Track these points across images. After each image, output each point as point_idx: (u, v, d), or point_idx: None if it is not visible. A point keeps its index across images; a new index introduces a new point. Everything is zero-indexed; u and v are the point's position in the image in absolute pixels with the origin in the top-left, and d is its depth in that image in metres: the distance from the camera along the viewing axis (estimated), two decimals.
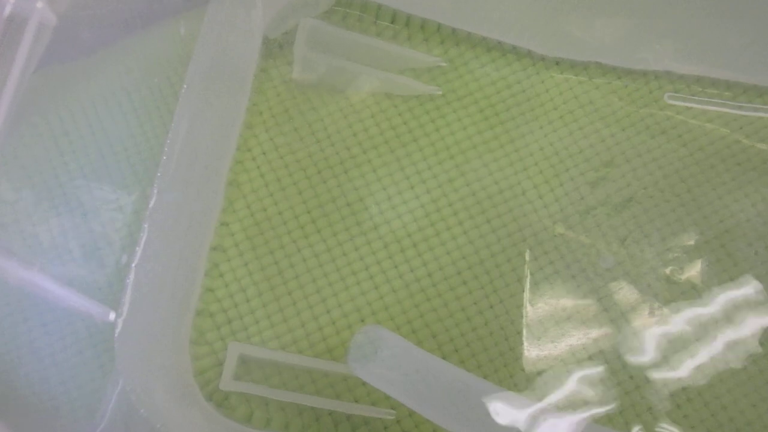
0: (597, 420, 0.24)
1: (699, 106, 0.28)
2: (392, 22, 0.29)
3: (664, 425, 0.24)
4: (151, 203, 0.20)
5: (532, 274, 0.26)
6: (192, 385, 0.22)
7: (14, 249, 0.24)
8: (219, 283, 0.25)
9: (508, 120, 0.28)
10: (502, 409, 0.21)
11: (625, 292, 0.26)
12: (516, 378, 0.24)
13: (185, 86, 0.22)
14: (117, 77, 0.27)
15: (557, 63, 0.29)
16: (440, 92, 0.28)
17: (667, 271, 0.26)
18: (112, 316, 0.19)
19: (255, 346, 0.24)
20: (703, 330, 0.25)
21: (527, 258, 0.26)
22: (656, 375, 0.25)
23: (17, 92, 0.20)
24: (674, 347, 0.25)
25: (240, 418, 0.23)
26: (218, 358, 0.24)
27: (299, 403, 0.24)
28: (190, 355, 0.23)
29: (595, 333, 0.25)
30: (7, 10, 0.21)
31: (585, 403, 0.24)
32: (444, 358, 0.25)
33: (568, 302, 0.26)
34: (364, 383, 0.24)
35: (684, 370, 0.25)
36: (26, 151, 0.26)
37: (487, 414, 0.21)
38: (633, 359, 0.25)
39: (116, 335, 0.19)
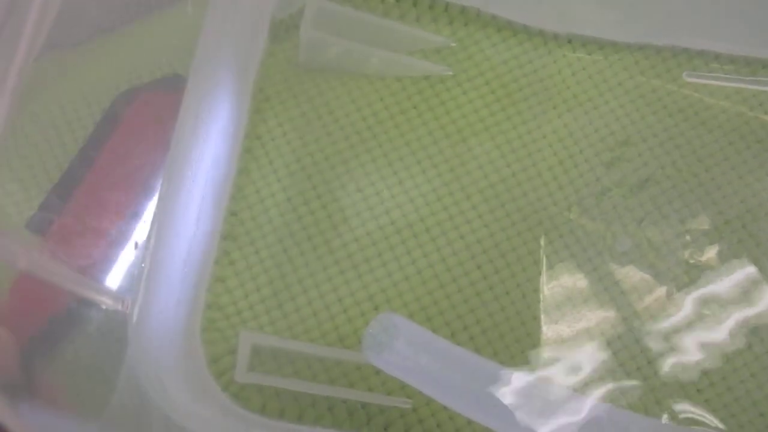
0: (616, 404, 0.24)
1: (717, 83, 0.27)
2: (399, 1, 0.28)
3: (686, 409, 0.24)
4: (160, 191, 0.20)
5: (547, 258, 0.25)
6: (206, 376, 0.22)
7: (20, 237, 0.24)
8: (230, 272, 0.25)
9: (521, 101, 0.27)
10: (519, 395, 0.21)
11: (642, 276, 0.25)
12: (533, 363, 0.24)
13: (192, 71, 0.22)
14: (121, 62, 0.26)
15: (569, 41, 0.28)
16: (450, 73, 0.27)
17: (686, 253, 0.25)
18: (124, 304, 0.19)
19: (267, 335, 0.24)
20: (724, 313, 0.25)
21: (543, 242, 0.25)
22: (676, 359, 0.24)
23: (19, 79, 0.20)
24: (694, 331, 0.24)
25: (253, 409, 0.23)
26: (230, 347, 0.24)
27: (313, 393, 0.23)
28: (203, 344, 0.23)
29: (612, 317, 0.25)
30: None
31: (603, 387, 0.24)
32: (460, 345, 0.24)
33: (584, 286, 0.25)
34: (378, 372, 0.24)
35: (705, 354, 0.24)
36: (27, 141, 0.26)
37: (500, 398, 0.20)
38: (652, 343, 0.24)
39: (132, 323, 0.19)
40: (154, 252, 0.20)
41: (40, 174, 0.26)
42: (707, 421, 0.24)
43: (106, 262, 0.21)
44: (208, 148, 0.23)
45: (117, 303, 0.19)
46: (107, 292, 0.20)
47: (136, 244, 0.20)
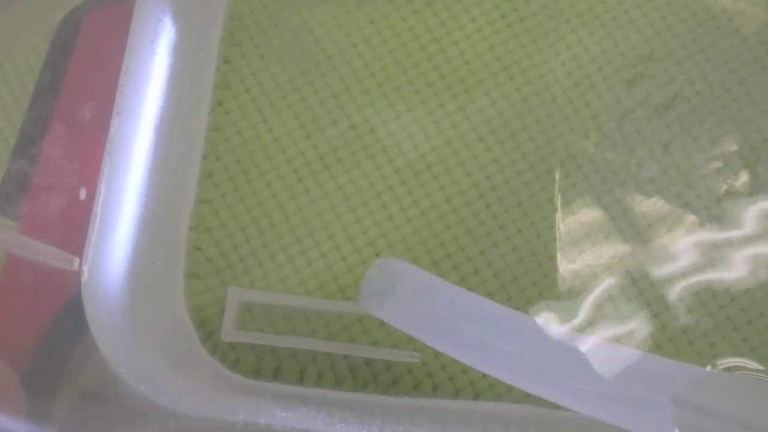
0: (643, 348, 0.21)
1: None
2: None
3: (722, 352, 0.21)
4: (112, 130, 0.17)
5: (563, 192, 0.23)
6: (192, 340, 0.20)
7: None
8: (214, 223, 0.23)
9: (529, 17, 0.24)
10: (538, 342, 0.18)
11: (670, 207, 0.22)
12: (551, 308, 0.22)
13: None
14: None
15: None
16: None
17: (719, 178, 0.23)
18: (75, 263, 0.17)
19: (258, 290, 0.22)
20: (765, 244, 0.22)
21: (558, 175, 0.23)
22: (710, 297, 0.22)
23: None
24: (730, 264, 0.22)
25: (248, 370, 0.21)
26: (221, 306, 0.22)
27: (311, 350, 0.21)
28: (188, 305, 0.21)
29: (638, 253, 0.22)
30: None
31: (629, 332, 0.22)
32: (470, 290, 0.22)
33: (605, 221, 0.23)
34: (382, 324, 0.21)
35: (743, 288, 0.22)
36: None
37: (523, 348, 0.18)
38: (682, 281, 0.22)
39: (82, 284, 0.16)
40: (105, 202, 0.17)
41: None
42: (740, 364, 0.21)
43: (70, 219, 0.19)
44: (168, 77, 0.20)
45: (66, 263, 0.17)
46: (53, 253, 0.17)
47: (86, 194, 0.18)
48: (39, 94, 0.22)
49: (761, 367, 0.21)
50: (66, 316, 0.18)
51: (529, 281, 0.22)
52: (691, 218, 0.22)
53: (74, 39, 0.22)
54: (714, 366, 0.21)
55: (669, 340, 0.21)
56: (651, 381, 0.15)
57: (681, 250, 0.22)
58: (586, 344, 0.17)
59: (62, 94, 0.21)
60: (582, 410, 0.16)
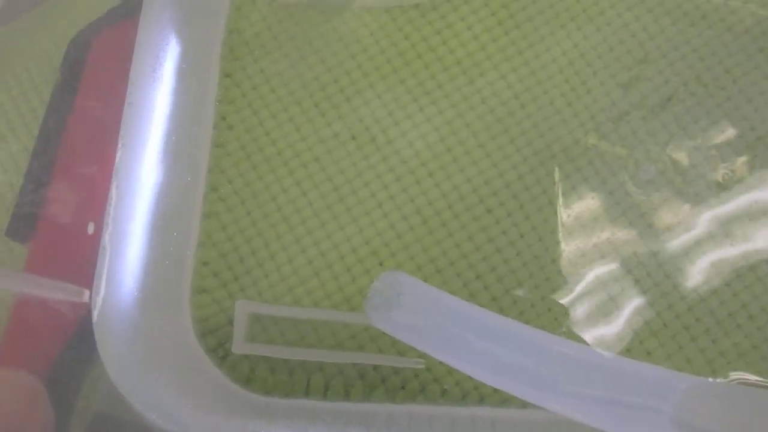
0: (650, 351, 0.22)
1: None
2: None
3: (727, 345, 0.22)
4: (116, 162, 0.18)
5: (564, 194, 0.23)
6: (201, 358, 0.20)
7: None
8: (221, 237, 0.23)
9: (525, 21, 0.25)
10: (541, 353, 0.18)
11: (671, 204, 0.23)
12: (555, 311, 0.22)
13: (143, 10, 0.19)
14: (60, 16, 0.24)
15: None
16: None
17: (718, 175, 0.23)
18: (85, 295, 0.17)
19: (265, 304, 0.22)
20: (763, 240, 0.22)
21: (557, 177, 0.23)
22: (713, 295, 0.22)
23: None
24: (730, 262, 0.22)
25: (258, 381, 0.21)
26: (229, 319, 0.22)
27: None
28: (195, 320, 0.21)
29: (641, 253, 0.22)
30: None
31: (634, 334, 0.22)
32: (473, 296, 0.23)
33: (607, 221, 0.23)
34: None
35: (743, 285, 0.22)
36: None
37: (526, 359, 0.18)
38: (685, 280, 0.22)
39: (94, 315, 0.17)
40: (113, 234, 0.18)
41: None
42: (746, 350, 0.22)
43: (79, 248, 0.19)
44: (171, 96, 0.20)
45: (76, 296, 0.17)
46: (63, 288, 0.18)
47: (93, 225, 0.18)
48: (49, 119, 0.22)
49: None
50: (74, 346, 0.18)
51: (533, 284, 0.23)
52: (690, 217, 0.23)
53: (83, 63, 0.22)
54: (720, 369, 0.22)
55: (671, 336, 0.22)
56: (653, 391, 0.16)
57: (683, 249, 0.22)
58: (591, 354, 0.18)
59: (70, 122, 0.21)
60: (587, 422, 0.16)
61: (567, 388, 0.17)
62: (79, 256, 0.19)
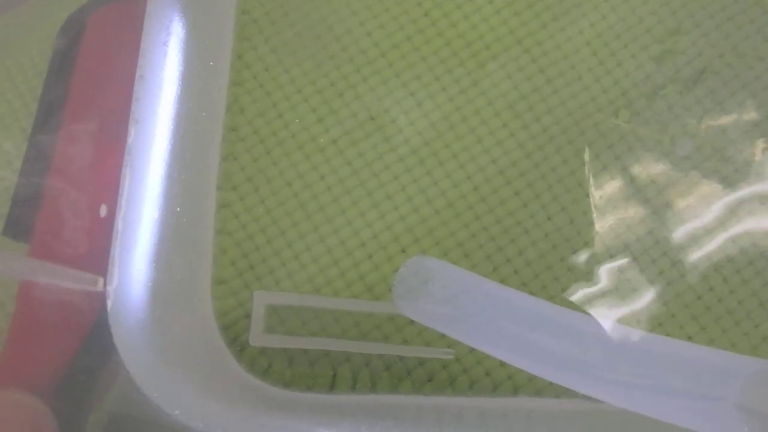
0: (691, 336, 0.21)
1: None
2: None
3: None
4: (129, 140, 0.17)
5: (595, 174, 0.22)
6: (221, 350, 0.19)
7: None
8: (235, 226, 0.22)
9: None
10: (572, 335, 0.17)
11: (710, 182, 0.22)
12: (589, 296, 0.21)
13: None
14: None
15: None
16: None
17: (757, 149, 0.22)
18: (100, 283, 0.16)
19: (284, 293, 0.21)
20: None
21: (587, 156, 0.22)
22: (756, 277, 0.21)
23: None
24: None
25: (279, 376, 0.20)
26: (247, 310, 0.21)
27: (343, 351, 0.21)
28: (214, 312, 0.20)
29: (678, 236, 0.21)
30: None
31: (672, 317, 0.21)
32: (502, 281, 0.21)
33: (640, 200, 0.22)
34: (412, 321, 0.21)
35: None
36: None
37: (557, 342, 0.17)
38: (727, 262, 0.21)
39: (109, 308, 0.16)
40: (126, 217, 0.17)
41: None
42: None
43: (86, 238, 0.18)
44: (182, 79, 0.19)
45: (91, 284, 0.16)
46: (76, 275, 0.16)
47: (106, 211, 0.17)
48: (45, 105, 0.21)
49: None
50: (93, 339, 0.17)
51: (564, 268, 0.21)
52: (730, 194, 0.21)
53: (78, 44, 0.21)
54: (764, 354, 0.20)
55: (714, 321, 0.21)
56: (713, 376, 0.14)
57: (723, 229, 0.21)
58: (634, 337, 0.17)
59: (68, 105, 0.20)
60: (634, 408, 0.15)
61: (614, 375, 0.15)
62: (81, 252, 0.18)
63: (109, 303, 0.16)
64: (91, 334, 0.17)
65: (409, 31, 0.23)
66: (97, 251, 0.18)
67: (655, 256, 0.21)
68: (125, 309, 0.16)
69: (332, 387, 0.20)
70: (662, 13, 0.23)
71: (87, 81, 0.21)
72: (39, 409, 0.17)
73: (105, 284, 0.16)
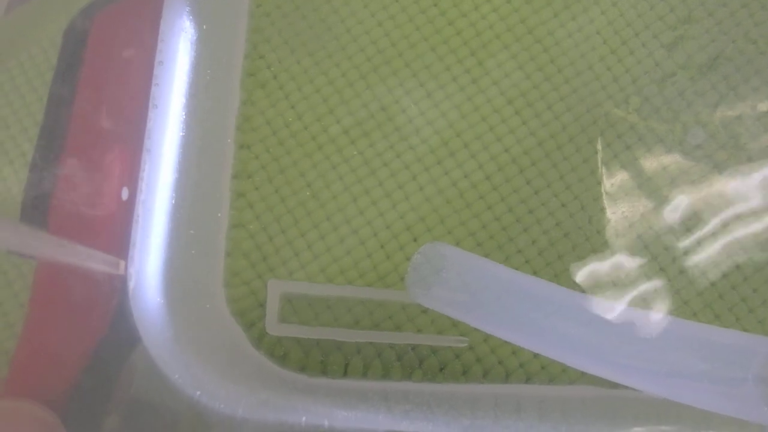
0: (704, 320, 0.21)
1: None
2: None
3: None
4: (149, 124, 0.17)
5: (606, 162, 0.22)
6: (239, 336, 0.19)
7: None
8: (249, 216, 0.22)
9: None
10: (589, 320, 0.18)
11: (723, 171, 0.22)
12: (601, 284, 0.21)
13: None
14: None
15: None
16: None
17: None
18: (121, 266, 0.16)
19: (298, 282, 0.21)
20: None
21: (599, 145, 0.22)
22: None
23: None
24: None
25: (296, 364, 0.20)
26: (258, 299, 0.21)
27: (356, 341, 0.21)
28: (229, 300, 0.21)
29: (690, 225, 0.21)
30: None
31: (685, 305, 0.21)
32: (515, 270, 0.21)
33: (653, 190, 0.22)
34: (425, 310, 0.21)
35: None
36: None
37: (573, 326, 0.17)
38: (740, 249, 0.21)
39: (130, 290, 0.16)
40: (146, 202, 0.17)
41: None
42: None
43: (103, 223, 0.18)
44: (198, 67, 0.19)
45: (112, 266, 0.17)
46: (98, 257, 0.17)
47: (127, 195, 0.17)
48: (55, 97, 0.21)
49: None
50: (117, 323, 0.17)
51: (576, 257, 0.21)
52: (745, 183, 0.21)
53: (86, 40, 0.21)
54: None
55: (728, 309, 0.21)
56: (731, 357, 0.14)
57: (736, 218, 0.21)
58: (650, 320, 0.17)
59: (78, 94, 0.20)
60: (652, 391, 0.15)
61: (632, 358, 0.15)
62: (103, 234, 0.18)
63: (131, 284, 0.16)
64: (115, 317, 0.18)
65: (420, 22, 0.23)
66: (113, 237, 0.18)
67: (667, 243, 0.21)
68: (145, 291, 0.16)
69: (345, 376, 0.20)
70: (673, 1, 0.23)
71: (95, 80, 0.22)
72: (50, 421, 0.17)
73: (126, 267, 0.16)
